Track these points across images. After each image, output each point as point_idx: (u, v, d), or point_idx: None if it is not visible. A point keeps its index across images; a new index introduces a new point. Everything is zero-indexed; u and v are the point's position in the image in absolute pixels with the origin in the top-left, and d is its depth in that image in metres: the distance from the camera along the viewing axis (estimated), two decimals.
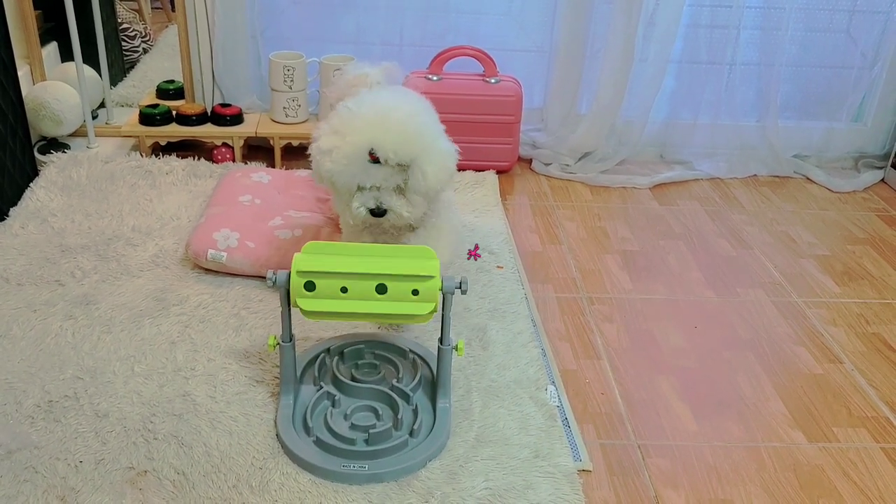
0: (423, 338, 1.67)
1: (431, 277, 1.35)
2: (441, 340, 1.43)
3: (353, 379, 1.52)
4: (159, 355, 1.57)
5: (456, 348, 1.44)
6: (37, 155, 2.32)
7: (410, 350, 1.59)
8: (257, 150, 2.56)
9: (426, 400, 1.50)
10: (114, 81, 2.74)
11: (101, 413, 1.42)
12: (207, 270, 1.84)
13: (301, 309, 1.35)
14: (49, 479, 1.28)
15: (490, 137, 2.45)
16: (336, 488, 1.31)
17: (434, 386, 1.49)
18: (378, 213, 1.57)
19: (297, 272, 1.34)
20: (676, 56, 2.55)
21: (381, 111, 1.54)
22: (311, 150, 1.60)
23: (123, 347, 1.58)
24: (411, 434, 1.41)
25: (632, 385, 1.63)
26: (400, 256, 1.38)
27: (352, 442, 1.38)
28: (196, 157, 2.36)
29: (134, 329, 1.64)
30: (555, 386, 1.59)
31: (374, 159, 1.52)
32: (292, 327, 1.42)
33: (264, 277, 1.69)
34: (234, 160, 2.43)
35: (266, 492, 1.29)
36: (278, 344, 1.42)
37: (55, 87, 2.34)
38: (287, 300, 1.37)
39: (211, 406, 1.45)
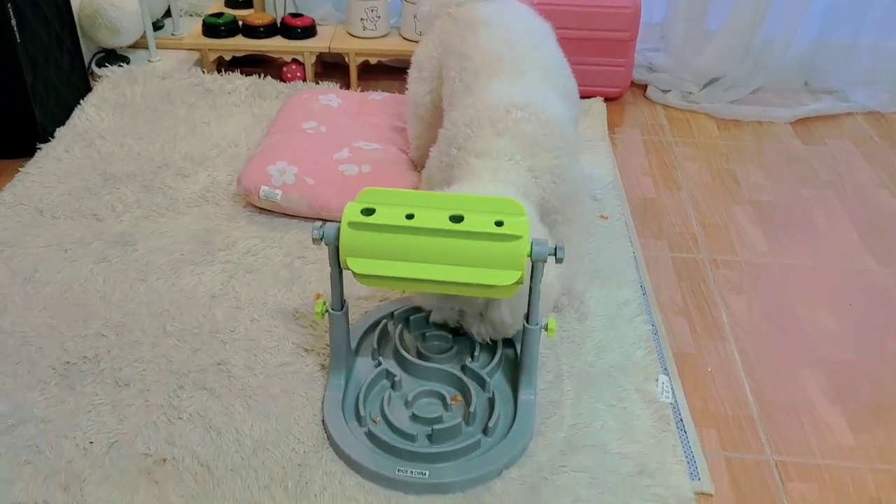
0: None
1: (518, 237, 1.04)
2: (528, 318, 1.14)
3: (419, 355, 1.25)
4: (196, 312, 1.34)
5: (546, 328, 1.14)
6: (94, 69, 2.11)
7: None
8: (332, 67, 2.27)
9: (506, 387, 1.22)
10: None
11: (123, 381, 1.20)
12: (261, 210, 1.59)
13: (353, 272, 1.08)
14: (53, 461, 1.08)
15: (599, 57, 2.07)
16: (388, 497, 1.06)
17: (517, 370, 1.21)
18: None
19: (350, 224, 1.06)
20: None
21: None
22: None
23: (157, 300, 1.36)
24: (485, 432, 1.14)
25: (767, 380, 1.29)
26: (481, 209, 1.08)
27: (411, 438, 1.12)
28: (262, 75, 2.10)
29: (172, 278, 1.41)
30: (668, 376, 1.28)
31: None
32: (346, 283, 1.15)
33: (323, 220, 1.42)
34: (304, 79, 2.16)
35: (304, 497, 1.05)
36: (327, 311, 1.16)
37: None
38: (336, 260, 1.10)
39: (249, 380, 1.22)
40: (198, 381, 1.21)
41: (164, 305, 1.35)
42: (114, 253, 1.46)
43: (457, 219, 1.06)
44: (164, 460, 1.09)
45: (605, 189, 1.73)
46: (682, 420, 1.21)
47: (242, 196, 1.59)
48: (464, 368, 1.22)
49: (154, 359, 1.25)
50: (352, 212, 1.08)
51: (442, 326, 1.27)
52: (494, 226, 1.05)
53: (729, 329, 1.39)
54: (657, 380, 1.26)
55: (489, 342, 1.25)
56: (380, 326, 1.28)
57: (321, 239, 1.08)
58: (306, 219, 1.56)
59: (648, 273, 1.51)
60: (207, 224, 1.55)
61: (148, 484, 1.06)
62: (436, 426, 1.12)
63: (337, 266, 1.11)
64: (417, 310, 1.31)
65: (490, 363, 1.23)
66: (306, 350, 1.28)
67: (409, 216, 1.06)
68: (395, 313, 1.31)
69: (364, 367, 1.24)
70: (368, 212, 1.07)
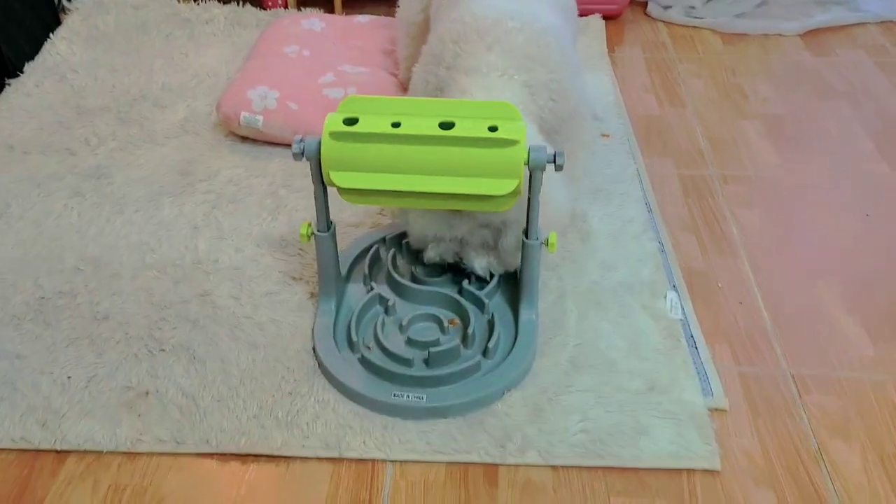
0: None
1: (515, 142, 0.97)
2: (527, 233, 1.07)
3: (414, 279, 1.18)
4: (177, 243, 1.27)
5: (546, 243, 1.07)
6: (63, 1, 2.00)
7: None
8: None
9: (506, 308, 1.15)
10: None
11: (101, 315, 1.14)
12: (244, 139, 1.51)
13: (337, 187, 1.00)
14: (30, 398, 1.03)
15: None
16: (385, 423, 1.01)
17: (517, 291, 1.14)
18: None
19: (331, 135, 0.99)
20: None
21: None
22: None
23: (136, 232, 1.29)
24: (485, 354, 1.07)
25: (781, 293, 1.23)
26: (473, 115, 1.00)
27: (407, 363, 1.06)
28: (241, 3, 1.98)
29: (151, 210, 1.34)
30: (676, 292, 1.21)
31: None
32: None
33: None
34: (286, 5, 2.05)
35: (295, 425, 1.00)
36: (313, 234, 1.09)
37: None
38: (319, 175, 1.02)
39: (234, 309, 1.15)
40: (180, 312, 1.15)
41: (142, 238, 1.28)
42: (88, 186, 1.39)
43: (447, 125, 0.98)
44: (147, 393, 1.03)
45: (606, 108, 1.64)
46: (692, 336, 1.14)
47: (223, 125, 1.51)
48: (461, 291, 1.16)
49: (134, 292, 1.18)
50: (333, 122, 1.00)
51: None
52: (488, 131, 0.97)
53: (740, 244, 1.32)
54: (665, 296, 1.19)
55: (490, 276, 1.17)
56: (371, 252, 1.22)
57: (302, 153, 1.01)
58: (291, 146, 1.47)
59: (654, 190, 1.44)
60: (187, 155, 1.47)
61: (130, 418, 1.00)
62: (432, 349, 1.05)
63: (320, 182, 1.03)
64: None
65: (489, 285, 1.16)
66: (294, 278, 1.21)
67: (396, 124, 0.98)
68: (387, 238, 1.24)
69: (355, 293, 1.18)
70: (351, 121, 0.99)
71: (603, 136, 1.56)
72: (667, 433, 1.00)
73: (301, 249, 1.26)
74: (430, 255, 1.16)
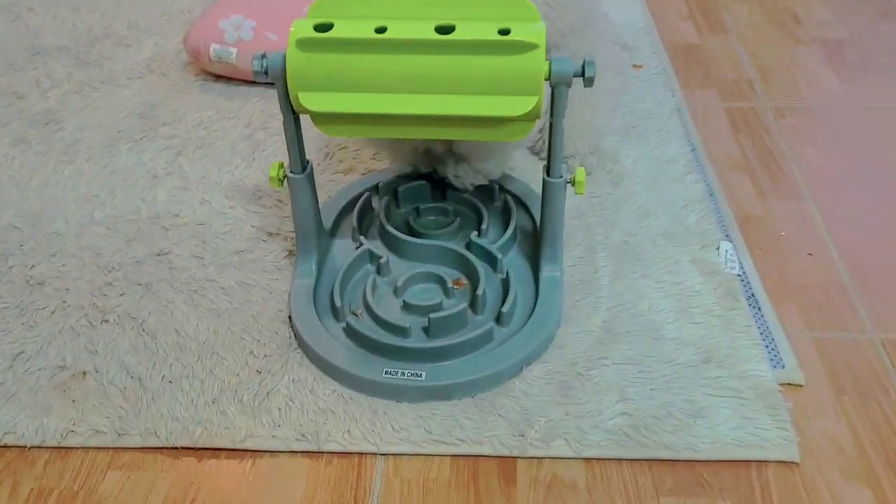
0: (523, 169, 1.09)
1: (533, 47, 0.75)
2: (548, 170, 0.86)
3: (411, 231, 0.98)
4: (133, 196, 1.07)
5: (572, 182, 0.86)
6: None
7: (500, 187, 1.02)
8: None
9: (524, 265, 0.95)
10: None
11: (35, 280, 0.95)
12: (217, 77, 1.30)
13: (309, 112, 0.79)
14: None
15: None
16: (375, 407, 0.81)
17: (536, 245, 0.93)
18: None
19: (299, 44, 0.78)
20: None
21: None
22: None
23: (86, 184, 1.10)
24: (498, 320, 0.87)
25: (857, 241, 1.01)
26: (478, 15, 0.78)
27: (403, 332, 0.86)
28: None
29: (105, 158, 1.14)
30: (731, 242, 1.00)
31: None
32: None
33: None
34: None
35: (264, 410, 0.80)
36: (285, 177, 0.88)
37: None
38: (287, 99, 0.81)
39: (196, 271, 0.96)
40: (131, 275, 0.95)
41: (93, 190, 1.09)
42: (35, 133, 1.19)
43: (445, 29, 0.77)
44: (84, 374, 0.84)
45: (637, 36, 1.42)
46: (753, 295, 0.93)
47: (192, 62, 1.31)
48: (469, 245, 0.95)
49: (77, 252, 0.99)
50: (301, 28, 0.79)
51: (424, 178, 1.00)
52: (497, 34, 0.76)
53: (803, 185, 1.10)
54: (718, 248, 0.98)
55: (470, 189, 0.97)
56: (361, 201, 1.01)
57: (263, 70, 0.80)
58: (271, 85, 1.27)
59: (697, 126, 1.22)
60: (151, 97, 1.27)
61: (62, 403, 0.81)
62: (433, 315, 0.85)
63: (289, 109, 0.82)
64: (408, 178, 1.03)
65: (502, 237, 0.95)
66: (270, 234, 1.01)
67: (380, 29, 0.77)
68: (381, 185, 1.03)
69: (342, 250, 0.98)
70: (324, 27, 0.78)
71: (635, 66, 1.34)
72: (729, 416, 0.79)
73: (280, 201, 1.06)
74: (403, 161, 0.99)
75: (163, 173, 1.11)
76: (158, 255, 0.98)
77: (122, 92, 1.28)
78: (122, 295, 0.92)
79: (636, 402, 0.81)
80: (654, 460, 0.77)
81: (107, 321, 0.89)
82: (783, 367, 0.84)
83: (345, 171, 1.11)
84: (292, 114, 0.83)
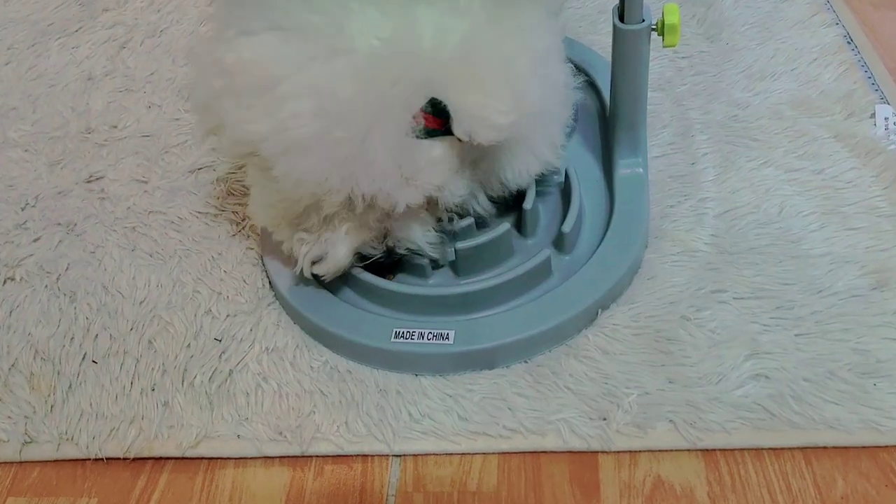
0: (579, 24, 0.79)
1: None
2: (621, 13, 0.56)
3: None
4: (61, 105, 0.82)
5: (658, 29, 0.56)
6: None
7: None
8: None
9: (590, 160, 0.66)
10: None
11: None
12: None
13: None
14: None
15: None
16: (383, 386, 0.55)
17: (607, 129, 0.64)
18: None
19: None
20: None
21: None
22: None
23: (2, 94, 0.84)
24: (558, 245, 0.59)
25: None
26: None
27: (421, 272, 0.59)
28: None
29: (31, 59, 0.89)
30: (891, 105, 0.69)
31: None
32: None
33: None
34: None
35: (225, 398, 0.56)
36: None
37: None
38: None
39: (136, 200, 0.70)
40: (49, 212, 0.70)
41: (11, 101, 0.83)
42: None
43: None
44: None
45: None
46: None
47: None
48: None
49: None
50: None
51: None
52: None
53: None
54: (873, 114, 0.68)
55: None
56: None
57: None
58: None
59: None
60: None
61: None
62: (462, 245, 0.58)
63: None
64: None
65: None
66: None
67: None
68: None
69: None
70: None
71: None
72: None
73: None
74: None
75: (101, 73, 0.85)
76: (88, 181, 0.73)
77: None
78: (35, 241, 0.68)
79: (776, 359, 0.53)
80: (813, 448, 0.50)
81: (11, 279, 0.65)
82: None
83: None
84: None
